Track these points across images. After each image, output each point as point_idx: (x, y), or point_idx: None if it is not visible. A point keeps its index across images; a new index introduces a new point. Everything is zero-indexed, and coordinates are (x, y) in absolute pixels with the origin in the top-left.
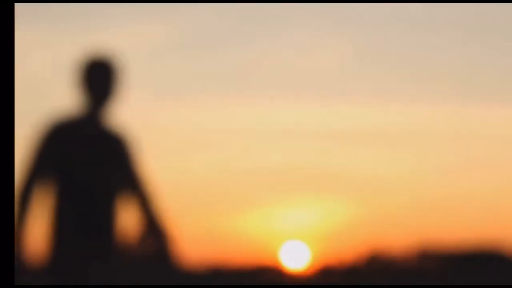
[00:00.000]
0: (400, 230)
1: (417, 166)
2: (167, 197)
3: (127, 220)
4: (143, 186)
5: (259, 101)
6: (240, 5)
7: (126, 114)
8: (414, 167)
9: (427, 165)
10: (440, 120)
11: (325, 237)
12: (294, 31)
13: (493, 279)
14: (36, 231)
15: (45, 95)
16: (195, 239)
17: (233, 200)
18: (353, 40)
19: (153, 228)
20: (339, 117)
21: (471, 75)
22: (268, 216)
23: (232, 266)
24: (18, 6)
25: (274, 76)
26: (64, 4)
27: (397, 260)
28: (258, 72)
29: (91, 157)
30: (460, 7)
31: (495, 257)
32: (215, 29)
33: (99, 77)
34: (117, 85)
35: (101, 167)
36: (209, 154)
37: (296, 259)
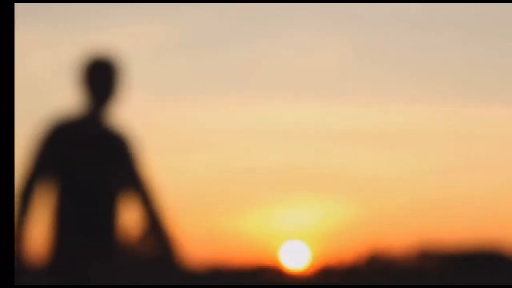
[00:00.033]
0: (400, 230)
1: (417, 166)
2: (167, 197)
3: (129, 219)
4: (145, 185)
5: (259, 101)
6: (240, 5)
7: (126, 114)
8: (414, 167)
9: (427, 165)
10: (440, 120)
11: (325, 237)
12: (294, 31)
13: (493, 279)
14: (38, 231)
15: (45, 95)
16: (195, 239)
17: (233, 200)
18: (353, 40)
19: (155, 228)
20: (339, 117)
21: (471, 75)
22: (268, 216)
23: (232, 266)
24: (18, 6)
25: (274, 76)
26: (64, 4)
27: (397, 260)
28: (258, 72)
29: (92, 157)
30: (460, 7)
31: (495, 257)
32: (215, 29)
33: (101, 77)
34: (119, 85)
35: (103, 167)
36: (209, 154)
37: (296, 259)
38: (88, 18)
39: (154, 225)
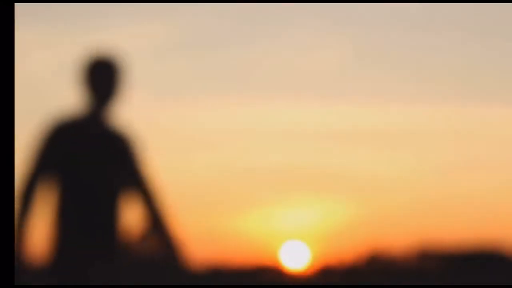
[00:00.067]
0: (400, 230)
1: (417, 166)
2: (167, 197)
3: (131, 219)
4: (147, 184)
5: (259, 101)
6: (240, 5)
7: (126, 113)
8: (414, 167)
9: (427, 165)
10: (440, 120)
11: (325, 237)
12: (294, 31)
13: (493, 279)
14: (39, 230)
15: (45, 95)
16: (195, 239)
17: (233, 200)
18: (353, 40)
19: (158, 227)
20: (339, 117)
21: (471, 75)
22: (268, 216)
23: (232, 266)
24: (18, 6)
25: (274, 76)
26: (64, 4)
27: (397, 260)
28: (258, 72)
29: (94, 156)
30: (460, 7)
31: (495, 257)
32: (215, 29)
33: (102, 76)
34: (121, 85)
35: (105, 167)
36: (209, 154)
37: (296, 259)
38: (88, 18)
39: (156, 224)
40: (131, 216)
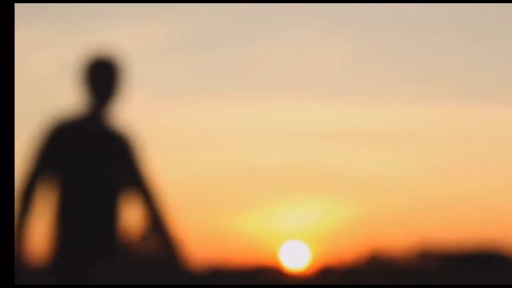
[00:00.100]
0: (400, 230)
1: (417, 166)
2: (167, 197)
3: (131, 219)
4: (147, 184)
5: (259, 101)
6: (240, 5)
7: (127, 113)
8: (414, 167)
9: (427, 165)
10: (440, 120)
11: (325, 237)
12: (294, 31)
13: (493, 279)
14: (39, 230)
15: (45, 95)
16: (195, 239)
17: (233, 200)
18: (353, 40)
19: (158, 226)
20: (339, 117)
21: (471, 75)
22: (268, 216)
23: (232, 266)
24: (18, 6)
25: (274, 76)
26: (64, 4)
27: (397, 260)
28: (258, 72)
29: (94, 156)
30: (460, 7)
31: (495, 257)
32: (215, 29)
33: (102, 76)
34: (121, 84)
35: (105, 166)
36: (209, 154)
37: (296, 259)
38: (88, 18)
39: (156, 224)
40: (131, 216)
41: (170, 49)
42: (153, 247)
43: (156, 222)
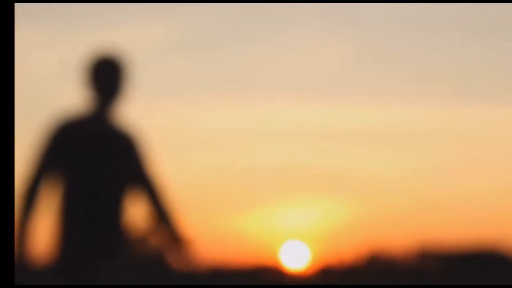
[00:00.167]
0: (400, 230)
1: (417, 166)
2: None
3: (137, 217)
4: (152, 183)
5: (259, 101)
6: (240, 5)
7: (126, 113)
8: (414, 167)
9: (427, 165)
10: (440, 120)
11: (325, 237)
12: (294, 31)
13: (493, 279)
14: (43, 229)
15: (45, 95)
16: (195, 239)
17: (233, 200)
18: (353, 40)
19: (164, 223)
20: (339, 117)
21: (471, 75)
22: (268, 216)
23: (232, 266)
24: (18, 6)
25: (274, 76)
26: (64, 4)
27: (397, 260)
28: (258, 72)
29: (98, 155)
30: (460, 7)
31: (495, 257)
32: (215, 29)
33: (106, 76)
34: (125, 84)
35: (109, 165)
36: (209, 154)
37: (296, 259)
38: (88, 18)
39: (163, 220)
40: (136, 214)
41: (170, 49)
42: (159, 243)
43: (163, 218)
